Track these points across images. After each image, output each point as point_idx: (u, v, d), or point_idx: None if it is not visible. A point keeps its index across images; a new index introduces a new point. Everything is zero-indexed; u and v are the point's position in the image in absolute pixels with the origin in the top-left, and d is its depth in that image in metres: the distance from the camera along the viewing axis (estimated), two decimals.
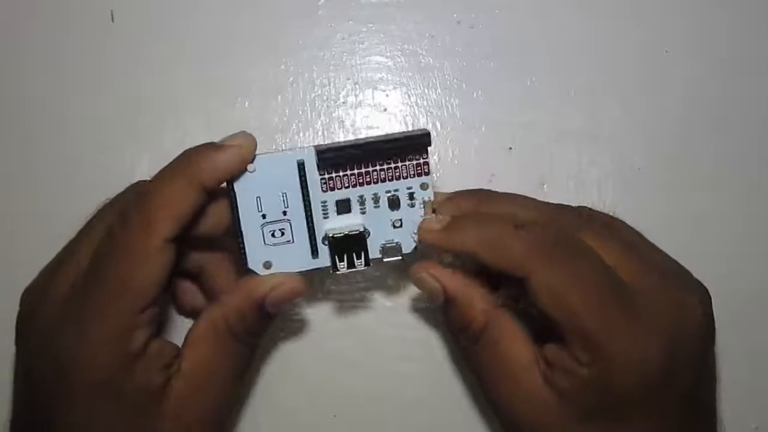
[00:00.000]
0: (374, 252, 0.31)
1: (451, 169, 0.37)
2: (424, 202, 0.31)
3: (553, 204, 0.33)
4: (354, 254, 0.31)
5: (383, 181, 0.31)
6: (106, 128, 0.37)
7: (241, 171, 0.30)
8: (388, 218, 0.31)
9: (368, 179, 0.31)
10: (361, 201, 0.31)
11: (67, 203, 0.36)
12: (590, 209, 0.33)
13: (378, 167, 0.31)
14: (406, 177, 0.31)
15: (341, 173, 0.31)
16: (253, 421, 0.37)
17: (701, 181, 0.38)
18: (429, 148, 0.31)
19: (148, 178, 0.31)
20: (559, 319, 0.28)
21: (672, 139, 0.38)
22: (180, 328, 0.35)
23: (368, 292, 0.37)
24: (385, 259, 0.31)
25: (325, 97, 0.38)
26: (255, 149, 0.30)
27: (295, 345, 0.37)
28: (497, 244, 0.29)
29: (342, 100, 0.38)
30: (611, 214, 0.33)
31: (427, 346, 0.37)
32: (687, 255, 0.32)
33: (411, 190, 0.31)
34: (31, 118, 0.37)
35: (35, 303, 0.30)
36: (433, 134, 0.37)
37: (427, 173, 0.31)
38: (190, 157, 0.29)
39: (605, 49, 0.38)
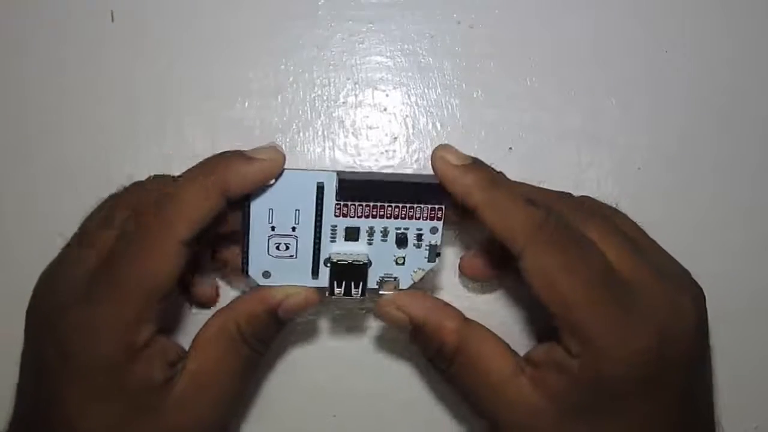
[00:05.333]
0: (371, 282, 0.32)
1: None
2: (430, 245, 0.32)
3: (555, 192, 0.33)
4: (352, 283, 0.31)
5: (396, 218, 0.31)
6: (106, 128, 0.37)
7: None
8: (392, 254, 0.32)
9: (382, 213, 0.31)
10: (370, 232, 0.31)
11: (67, 203, 0.36)
12: (592, 200, 0.33)
13: (394, 204, 0.31)
14: (419, 218, 0.31)
15: (357, 203, 0.31)
16: (253, 421, 0.37)
17: (701, 181, 0.38)
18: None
19: (165, 173, 0.32)
20: (549, 304, 0.28)
21: (672, 139, 0.38)
22: (187, 330, 0.35)
23: (368, 293, 0.37)
24: (380, 291, 0.32)
25: (325, 97, 0.38)
26: (283, 165, 0.30)
27: (295, 345, 0.37)
28: (502, 208, 0.29)
29: (342, 100, 0.38)
30: (614, 206, 0.33)
31: None
32: (687, 255, 0.32)
33: (420, 232, 0.31)
34: (30, 118, 0.37)
35: (46, 290, 0.31)
36: (432, 134, 0.38)
37: (440, 219, 0.31)
38: (217, 164, 0.30)
39: (605, 49, 0.38)
